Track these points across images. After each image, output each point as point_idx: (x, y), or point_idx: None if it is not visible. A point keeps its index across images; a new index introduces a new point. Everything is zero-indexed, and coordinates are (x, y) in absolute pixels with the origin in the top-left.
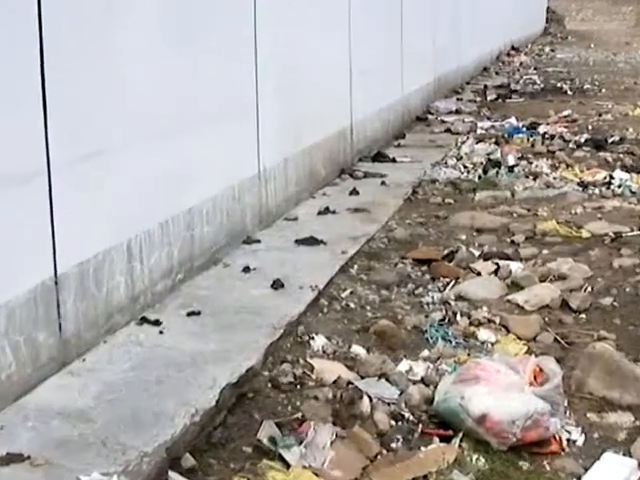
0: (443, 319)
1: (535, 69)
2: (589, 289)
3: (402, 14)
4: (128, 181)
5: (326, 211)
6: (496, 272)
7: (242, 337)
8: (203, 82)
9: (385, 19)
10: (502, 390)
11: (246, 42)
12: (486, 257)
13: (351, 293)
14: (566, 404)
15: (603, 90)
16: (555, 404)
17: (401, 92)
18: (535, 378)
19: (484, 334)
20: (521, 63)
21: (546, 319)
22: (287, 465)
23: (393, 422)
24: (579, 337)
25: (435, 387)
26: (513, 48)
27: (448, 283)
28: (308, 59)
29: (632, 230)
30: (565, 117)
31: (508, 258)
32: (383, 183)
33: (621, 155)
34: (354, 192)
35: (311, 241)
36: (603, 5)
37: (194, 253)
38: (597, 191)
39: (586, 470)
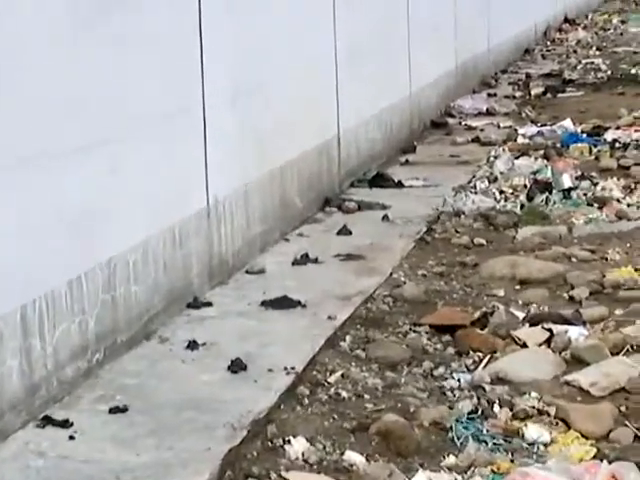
0: (475, 411)
1: (599, 49)
2: None
3: None
4: (14, 220)
5: (305, 259)
6: (549, 342)
7: (188, 443)
8: (125, 84)
9: None
10: None
11: (187, 34)
12: (534, 321)
13: (342, 377)
14: None
15: None
16: None
17: (409, 87)
18: None
19: (534, 431)
20: (578, 41)
21: (622, 408)
22: None
23: None
24: None
25: None
26: (567, 20)
27: (481, 359)
28: (275, 47)
29: None
30: None
31: (566, 322)
32: (385, 218)
33: None
34: (344, 231)
35: (284, 303)
36: None
37: (118, 324)
38: None
39: None
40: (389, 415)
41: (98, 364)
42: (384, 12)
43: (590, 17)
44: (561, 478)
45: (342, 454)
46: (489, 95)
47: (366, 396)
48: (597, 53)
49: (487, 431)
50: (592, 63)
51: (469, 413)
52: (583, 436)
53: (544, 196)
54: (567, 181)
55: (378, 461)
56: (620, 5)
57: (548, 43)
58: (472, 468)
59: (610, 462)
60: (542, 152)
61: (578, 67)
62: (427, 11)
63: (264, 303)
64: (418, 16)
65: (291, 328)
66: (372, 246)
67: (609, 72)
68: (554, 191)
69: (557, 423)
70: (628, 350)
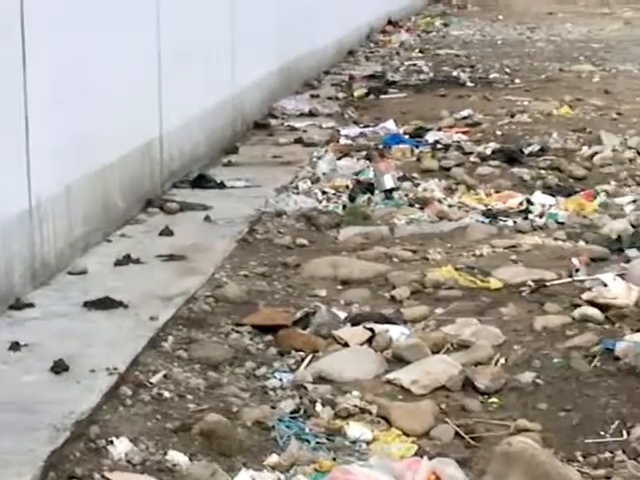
0: (297, 410)
1: (421, 52)
2: (502, 361)
3: None
4: None
5: (126, 260)
6: (370, 341)
7: (9, 445)
8: None
9: None
10: None
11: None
12: (356, 321)
13: (165, 377)
14: None
15: (516, 81)
16: None
17: (232, 87)
18: None
19: (356, 430)
20: (401, 43)
21: (443, 406)
22: None
23: None
24: (490, 430)
25: None
26: (390, 23)
27: (303, 359)
28: (99, 50)
29: (559, 276)
30: (464, 119)
31: (387, 321)
32: (207, 218)
33: (542, 171)
34: (166, 232)
35: (106, 303)
36: None
37: None
38: (510, 223)
39: None
40: (212, 415)
41: None
42: (208, 16)
43: (413, 20)
44: (382, 475)
45: (165, 454)
46: (312, 96)
47: (189, 396)
48: (420, 55)
49: (309, 430)
50: (415, 65)
51: (291, 412)
52: (404, 434)
53: (366, 197)
54: (389, 182)
55: (201, 461)
56: (442, 8)
57: (372, 45)
58: (295, 467)
59: (430, 459)
60: (364, 153)
61: (401, 69)
62: (250, 13)
63: (86, 304)
64: (241, 19)
65: (113, 329)
66: (194, 247)
67: (431, 74)
68: (376, 192)
69: (379, 421)
70: (448, 349)
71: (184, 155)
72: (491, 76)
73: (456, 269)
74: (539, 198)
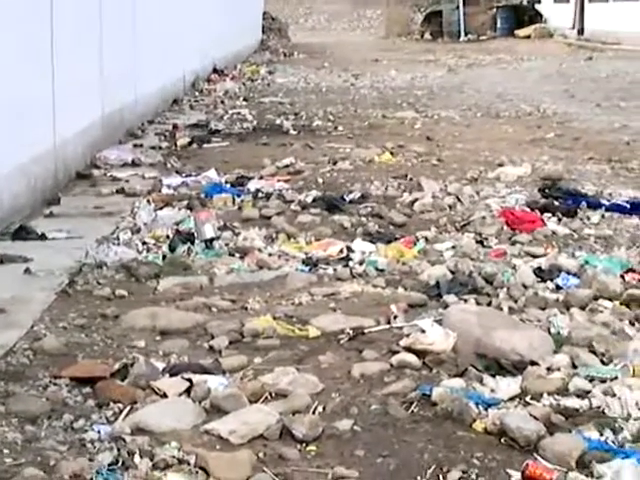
0: (115, 462)
1: (245, 100)
2: (320, 410)
3: (53, 23)
4: None
5: None
6: (188, 392)
7: None
8: None
9: (22, 28)
10: None
11: None
12: (174, 371)
13: None
14: None
15: (339, 128)
16: None
17: (53, 137)
18: None
19: None
20: (226, 92)
21: (261, 455)
22: None
23: None
24: (307, 478)
25: None
26: (215, 71)
27: (121, 410)
28: None
29: (378, 323)
30: (286, 167)
31: (205, 372)
32: (27, 271)
33: (363, 219)
34: None
35: None
36: (342, 8)
37: None
38: (330, 270)
39: None
40: (28, 469)
41: None
42: (26, 68)
43: (239, 68)
44: None
45: None
46: (135, 146)
47: (5, 451)
48: (244, 103)
49: None
50: (239, 113)
51: (109, 465)
52: None
53: (186, 246)
54: (209, 231)
55: None
56: (269, 56)
57: (197, 94)
58: None
59: None
60: (186, 202)
61: (225, 117)
62: (71, 62)
63: None
64: (62, 68)
65: None
66: (13, 299)
67: (255, 122)
68: (196, 241)
69: (197, 472)
70: (267, 398)
71: (3, 207)
72: (314, 124)
73: (275, 318)
74: (359, 245)
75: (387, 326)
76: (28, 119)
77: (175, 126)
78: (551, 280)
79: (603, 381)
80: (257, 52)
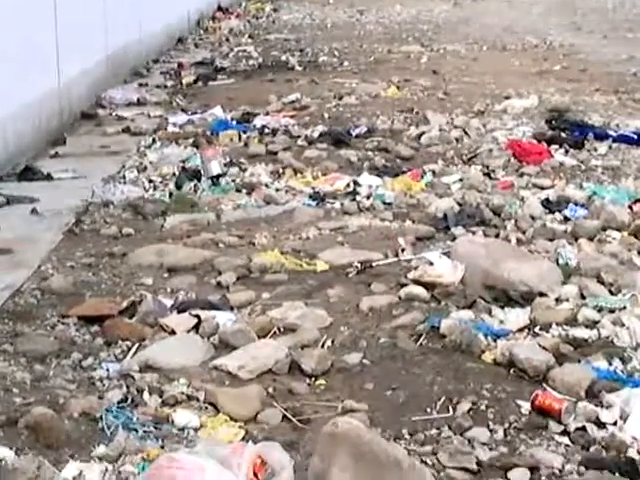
0: (124, 400)
1: (251, 37)
2: (328, 344)
3: None
4: None
5: None
6: (197, 328)
7: None
8: None
9: None
10: None
11: None
12: (182, 308)
13: None
14: None
15: (345, 63)
16: None
17: (57, 78)
18: (256, 474)
19: (183, 417)
20: (231, 30)
21: (270, 390)
22: None
23: None
24: (317, 412)
25: None
26: (220, 9)
27: (129, 348)
28: None
29: (386, 257)
30: (292, 103)
31: (213, 307)
32: (34, 211)
33: (370, 153)
34: None
35: None
36: None
37: None
38: (337, 205)
39: None
40: (38, 408)
41: None
42: (29, 9)
43: (243, 5)
44: (208, 461)
45: None
46: (140, 85)
47: (14, 390)
48: (249, 41)
49: (137, 419)
50: (244, 51)
51: (119, 402)
52: (232, 419)
53: (193, 184)
54: (216, 168)
55: (28, 454)
56: None
57: (201, 32)
58: (122, 457)
59: (256, 443)
60: (192, 140)
61: (230, 55)
62: (75, 3)
63: None
64: (65, 9)
65: None
66: (20, 240)
67: (260, 59)
68: (203, 178)
69: (206, 407)
70: (275, 332)
71: (9, 147)
72: (320, 59)
73: (282, 253)
74: (366, 179)
75: (395, 259)
76: (32, 59)
77: (180, 64)
78: (559, 211)
79: (612, 311)
80: None
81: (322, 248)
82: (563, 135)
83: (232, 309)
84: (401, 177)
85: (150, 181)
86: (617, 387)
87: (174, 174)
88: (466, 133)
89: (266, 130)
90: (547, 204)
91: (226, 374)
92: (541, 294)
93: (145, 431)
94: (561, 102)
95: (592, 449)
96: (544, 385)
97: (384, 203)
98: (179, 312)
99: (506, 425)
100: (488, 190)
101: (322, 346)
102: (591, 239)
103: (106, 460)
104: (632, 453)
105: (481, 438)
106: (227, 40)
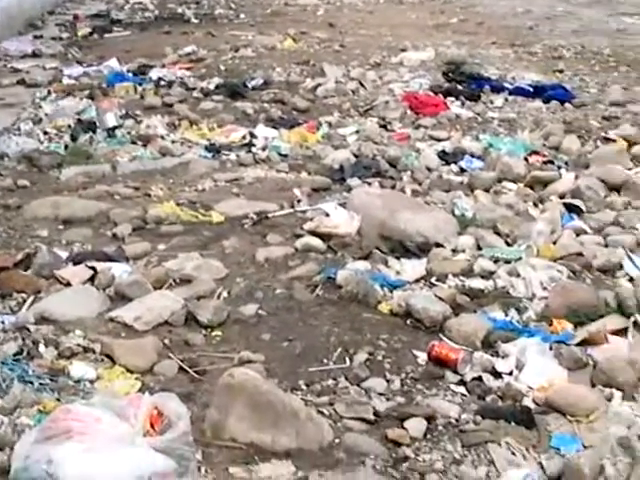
0: (20, 352)
1: None
2: (224, 295)
3: None
4: None
5: None
6: (92, 280)
7: None
8: None
9: None
10: (105, 446)
11: None
12: (77, 260)
13: None
14: (200, 457)
15: (241, 16)
16: (183, 459)
17: None
18: (152, 425)
19: (79, 369)
20: None
21: (166, 341)
22: None
23: None
24: (213, 363)
25: (12, 450)
26: None
27: (25, 300)
28: None
29: (282, 208)
30: (188, 55)
31: (109, 259)
32: None
33: (266, 105)
34: None
35: None
36: None
37: None
38: (233, 156)
39: None
40: None
41: None
42: None
43: None
44: (104, 413)
45: None
46: (35, 37)
47: None
48: None
49: (33, 371)
50: (140, 3)
51: (14, 355)
52: (129, 370)
53: (88, 136)
54: (111, 120)
55: None
56: None
57: None
58: (18, 409)
59: (152, 394)
60: (87, 92)
61: (126, 7)
62: None
63: None
64: None
65: None
66: None
67: (156, 12)
68: (99, 130)
69: (103, 359)
70: (171, 284)
71: None
72: (216, 12)
73: (178, 204)
74: (262, 131)
75: (291, 210)
76: None
77: (76, 16)
78: (455, 163)
79: (507, 262)
80: None
81: (218, 199)
82: (459, 87)
83: (128, 260)
84: (297, 129)
85: (45, 133)
86: (513, 337)
87: (69, 126)
88: (362, 85)
89: (162, 82)
90: (443, 156)
91: (122, 326)
92: (437, 245)
93: (41, 383)
94: (458, 55)
95: (488, 399)
96: (440, 335)
97: (280, 155)
98: (75, 264)
99: (403, 375)
100: (384, 142)
101: (218, 297)
102: (487, 190)
103: (1, 413)
104: (527, 402)
105: (378, 388)
106: None
